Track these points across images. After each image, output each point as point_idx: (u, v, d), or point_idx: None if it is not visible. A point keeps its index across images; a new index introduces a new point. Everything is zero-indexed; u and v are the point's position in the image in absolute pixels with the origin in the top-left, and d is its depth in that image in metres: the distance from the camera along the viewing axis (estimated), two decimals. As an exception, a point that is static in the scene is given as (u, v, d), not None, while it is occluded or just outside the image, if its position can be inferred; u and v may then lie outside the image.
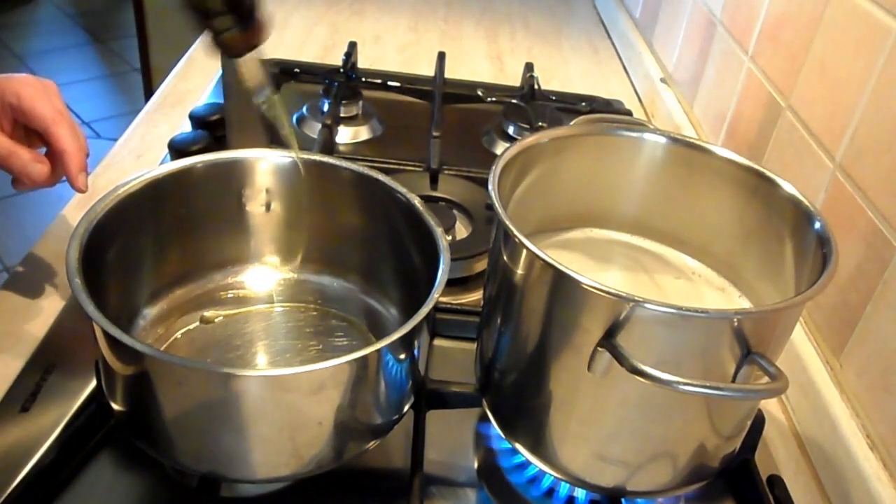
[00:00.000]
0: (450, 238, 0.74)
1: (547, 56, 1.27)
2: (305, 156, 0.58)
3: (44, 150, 0.60)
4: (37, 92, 0.58)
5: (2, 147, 0.57)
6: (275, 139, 0.60)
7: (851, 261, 0.61)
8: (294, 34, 1.22)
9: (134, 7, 2.27)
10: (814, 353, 0.65)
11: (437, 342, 0.66)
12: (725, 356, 0.44)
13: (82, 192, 0.59)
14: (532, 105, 0.98)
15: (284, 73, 1.01)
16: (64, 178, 0.60)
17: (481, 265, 0.71)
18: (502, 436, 0.54)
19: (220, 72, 0.95)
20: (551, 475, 0.52)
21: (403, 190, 0.57)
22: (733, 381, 0.45)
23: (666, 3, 1.17)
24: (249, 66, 0.52)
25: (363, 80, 1.02)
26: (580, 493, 0.55)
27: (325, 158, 0.60)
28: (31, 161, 0.57)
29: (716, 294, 0.57)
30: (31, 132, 0.60)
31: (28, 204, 2.27)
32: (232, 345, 0.57)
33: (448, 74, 1.05)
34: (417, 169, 0.86)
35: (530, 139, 0.55)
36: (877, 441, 0.57)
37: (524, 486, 0.56)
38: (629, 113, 1.04)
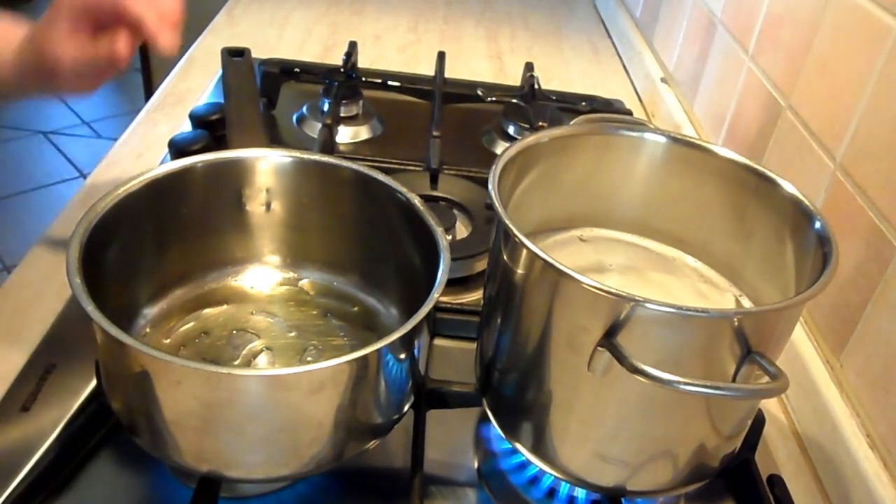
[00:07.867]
0: (450, 238, 0.74)
1: (547, 56, 1.27)
2: None
3: None
4: None
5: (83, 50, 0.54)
6: (275, 139, 0.60)
7: (851, 260, 0.61)
8: (294, 34, 1.22)
9: (134, 7, 2.27)
10: (814, 353, 0.65)
11: (437, 342, 0.66)
12: (725, 356, 0.44)
13: (167, 52, 0.55)
14: (532, 105, 0.98)
15: (284, 72, 1.01)
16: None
17: (481, 265, 0.71)
18: (502, 435, 0.54)
19: (220, 72, 0.95)
20: (551, 475, 0.52)
21: (403, 190, 0.57)
22: (733, 380, 0.44)
23: (666, 2, 1.17)
24: None
25: (363, 79, 1.02)
26: (580, 493, 0.55)
27: (325, 158, 0.60)
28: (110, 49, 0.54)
29: (716, 294, 0.57)
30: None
31: (28, 204, 2.27)
32: (232, 344, 0.57)
33: (448, 74, 1.05)
34: (417, 169, 0.86)
35: (530, 139, 0.55)
36: (877, 441, 0.57)
37: (524, 485, 0.56)
38: (629, 113, 1.04)
